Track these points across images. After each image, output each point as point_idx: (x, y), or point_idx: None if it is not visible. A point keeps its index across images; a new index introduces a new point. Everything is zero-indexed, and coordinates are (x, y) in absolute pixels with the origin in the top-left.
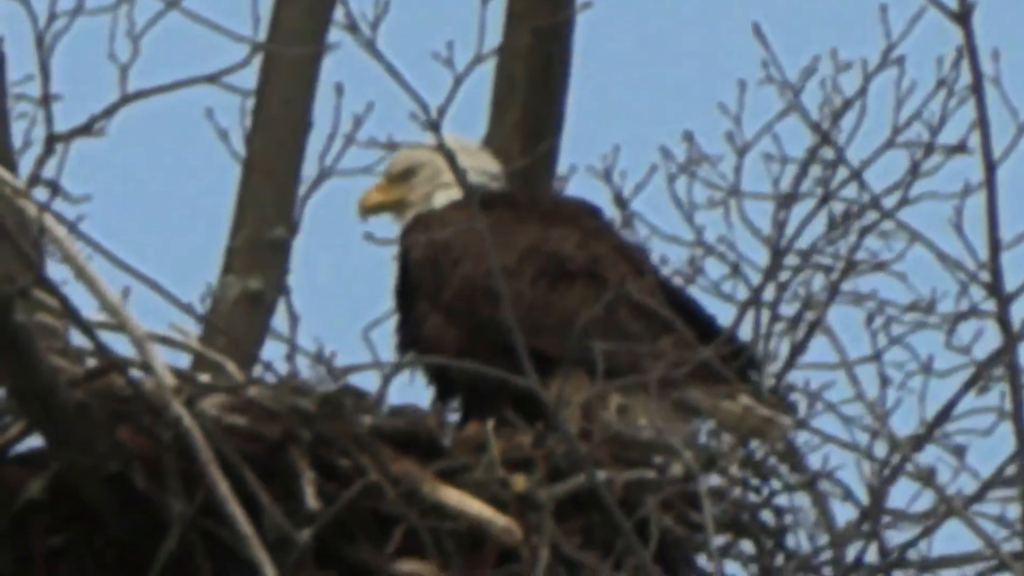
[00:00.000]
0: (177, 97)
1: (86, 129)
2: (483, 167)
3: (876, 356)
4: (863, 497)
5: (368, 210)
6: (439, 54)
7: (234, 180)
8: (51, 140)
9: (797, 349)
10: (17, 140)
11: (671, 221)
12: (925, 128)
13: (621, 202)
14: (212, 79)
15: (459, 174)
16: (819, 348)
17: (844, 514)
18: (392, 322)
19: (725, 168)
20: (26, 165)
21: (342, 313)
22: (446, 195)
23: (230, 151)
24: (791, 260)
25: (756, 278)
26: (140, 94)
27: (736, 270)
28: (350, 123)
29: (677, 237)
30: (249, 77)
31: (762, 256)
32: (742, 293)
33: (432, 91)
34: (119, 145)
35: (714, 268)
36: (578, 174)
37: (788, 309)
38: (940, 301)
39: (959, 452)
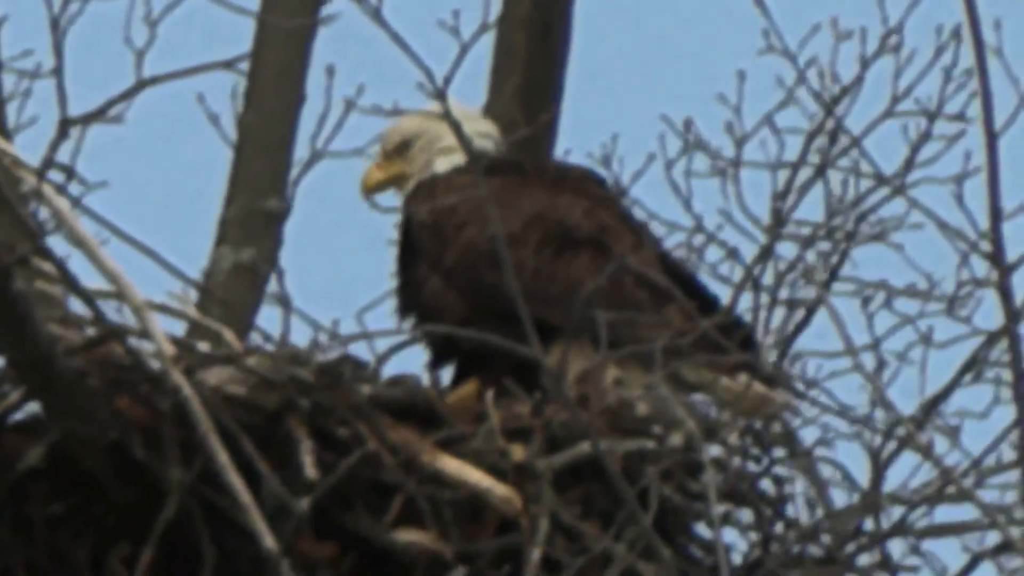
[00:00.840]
0: (191, 81)
1: (101, 113)
2: (484, 132)
3: (875, 343)
4: (861, 476)
5: (371, 189)
6: (444, 22)
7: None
8: (65, 124)
9: (798, 327)
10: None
11: (670, 208)
12: (926, 98)
13: (620, 189)
14: (228, 64)
15: (464, 141)
16: (816, 328)
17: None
18: (386, 302)
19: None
20: (40, 148)
21: (335, 294)
22: (447, 160)
23: (221, 135)
24: (789, 237)
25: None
26: (156, 79)
27: (733, 254)
28: (342, 104)
29: (676, 223)
30: None
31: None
32: (740, 277)
33: (433, 60)
34: (134, 130)
35: (714, 253)
36: (577, 160)
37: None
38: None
39: (953, 433)
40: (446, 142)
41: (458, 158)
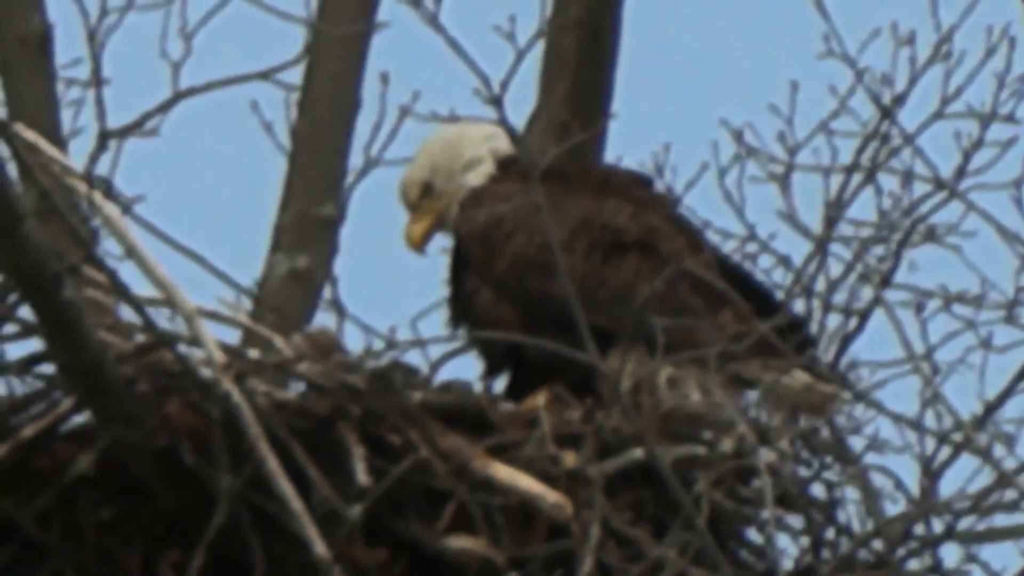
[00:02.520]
0: (226, 92)
1: (138, 126)
2: (492, 133)
3: (929, 350)
4: (913, 482)
5: (419, 244)
6: (501, 28)
7: (281, 170)
8: (104, 136)
9: (856, 328)
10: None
11: (722, 216)
12: (979, 103)
13: (673, 198)
14: (264, 75)
15: (523, 147)
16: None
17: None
18: (440, 309)
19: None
20: (78, 160)
21: (390, 301)
22: (478, 173)
23: (275, 144)
24: (841, 240)
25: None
26: (193, 91)
27: (785, 262)
28: (396, 111)
29: (728, 231)
30: (299, 73)
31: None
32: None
33: (485, 66)
34: (169, 140)
35: (768, 261)
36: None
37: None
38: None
39: (1009, 440)
40: (465, 157)
41: (486, 168)
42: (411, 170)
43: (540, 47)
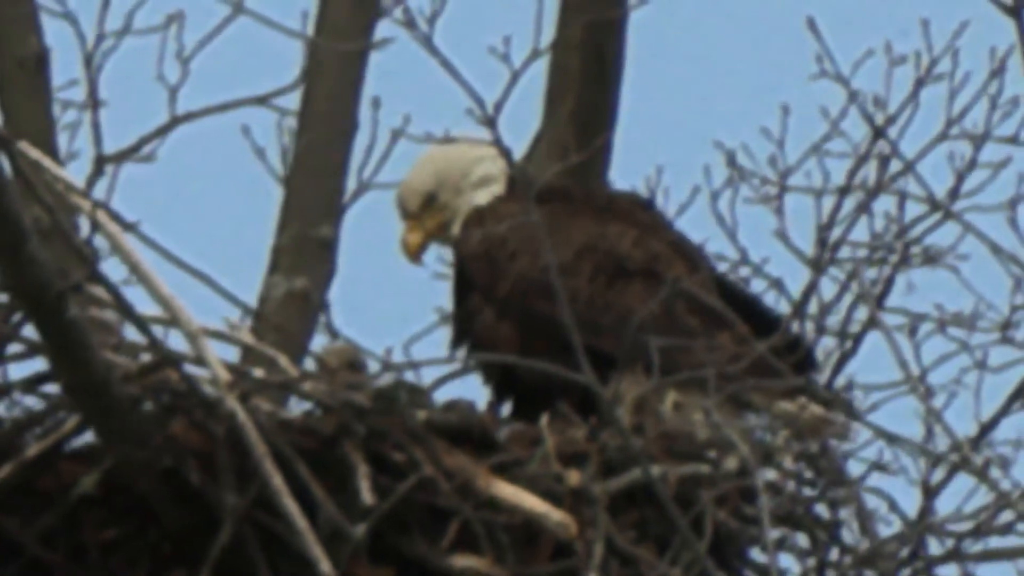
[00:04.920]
0: (223, 116)
1: (135, 150)
2: (492, 155)
3: (921, 375)
4: (911, 503)
5: (416, 254)
6: (495, 49)
7: (277, 193)
8: (100, 161)
9: (850, 350)
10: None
11: (716, 240)
12: (971, 125)
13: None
14: (262, 100)
15: (518, 169)
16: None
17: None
18: (434, 332)
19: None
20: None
21: (388, 321)
22: (485, 192)
23: (268, 168)
24: (837, 263)
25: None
26: (190, 115)
27: (778, 285)
28: (389, 135)
29: (722, 254)
30: (296, 97)
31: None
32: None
33: (484, 87)
34: (166, 163)
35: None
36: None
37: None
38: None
39: (1005, 463)
40: (476, 175)
41: (496, 188)
42: (414, 179)
43: (543, 67)
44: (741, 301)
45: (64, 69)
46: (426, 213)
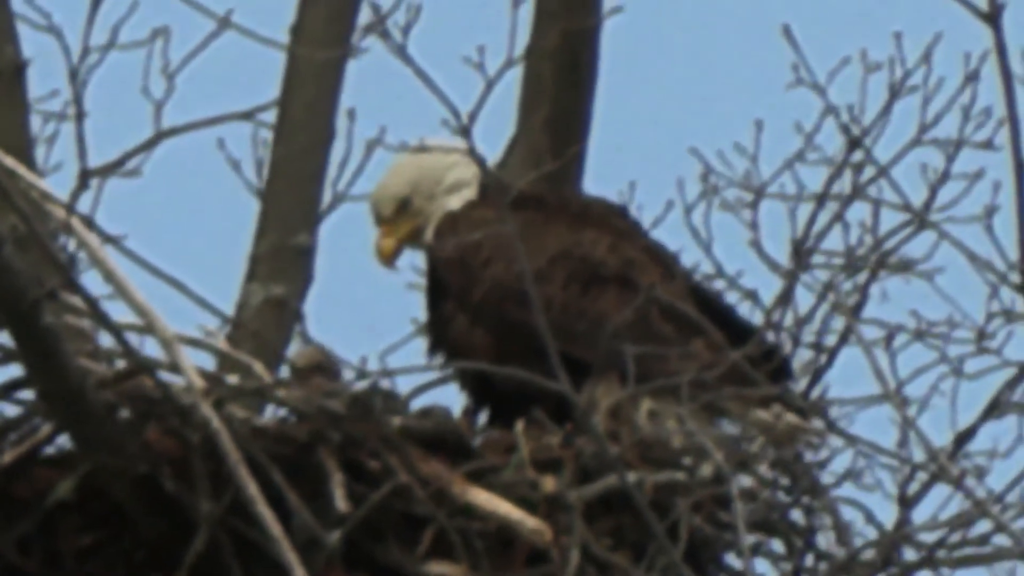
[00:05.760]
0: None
1: (120, 165)
2: (468, 161)
3: (898, 388)
4: (887, 514)
5: (389, 258)
6: (469, 58)
7: (254, 205)
8: (85, 175)
9: (825, 363)
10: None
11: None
12: (944, 136)
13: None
14: (247, 115)
15: (492, 176)
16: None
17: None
18: (409, 343)
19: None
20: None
21: (365, 330)
22: (458, 197)
23: (243, 180)
24: (814, 268)
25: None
26: (175, 130)
27: (753, 297)
28: (364, 145)
29: (696, 267)
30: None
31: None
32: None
33: (458, 95)
34: (148, 176)
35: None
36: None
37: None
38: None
39: (980, 472)
40: (448, 180)
41: (468, 193)
42: (388, 185)
43: (518, 75)
44: (716, 310)
45: (48, 82)
46: (400, 218)
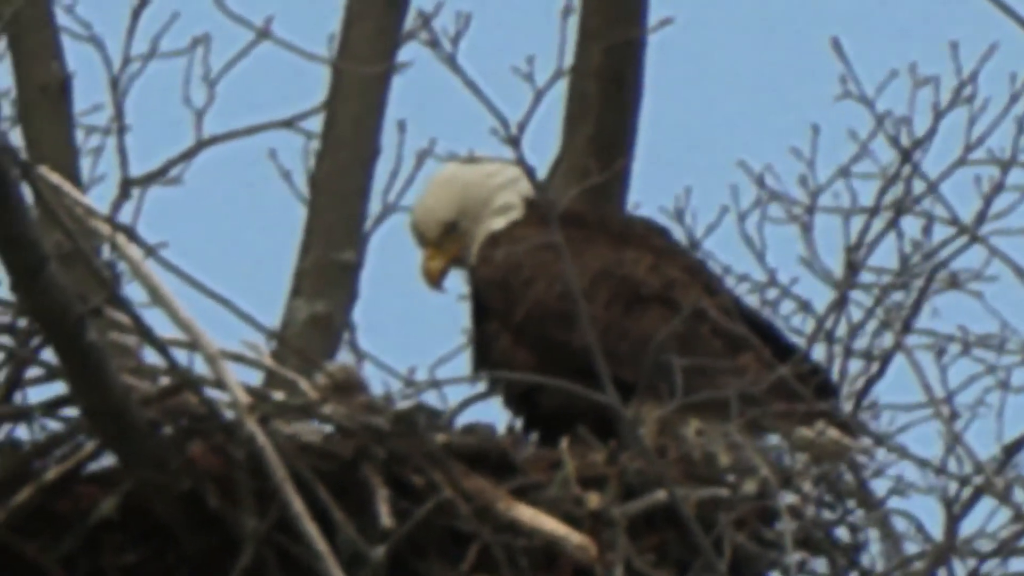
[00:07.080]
0: (247, 139)
1: (162, 173)
2: (516, 176)
3: (948, 397)
4: (936, 526)
5: (437, 281)
6: (519, 69)
7: (301, 216)
8: (126, 184)
9: (872, 378)
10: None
11: (743, 261)
12: (999, 149)
13: (693, 243)
14: (288, 123)
15: (541, 186)
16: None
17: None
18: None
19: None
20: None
21: (412, 345)
22: (503, 218)
23: (294, 191)
24: (863, 287)
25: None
26: (216, 139)
27: (806, 307)
28: (414, 157)
29: (749, 276)
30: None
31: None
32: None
33: (506, 107)
34: (191, 186)
35: (789, 307)
36: (648, 212)
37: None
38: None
39: None
40: (495, 203)
41: (514, 213)
42: (434, 208)
43: (562, 92)
44: (758, 327)
45: (89, 93)
46: (446, 240)
